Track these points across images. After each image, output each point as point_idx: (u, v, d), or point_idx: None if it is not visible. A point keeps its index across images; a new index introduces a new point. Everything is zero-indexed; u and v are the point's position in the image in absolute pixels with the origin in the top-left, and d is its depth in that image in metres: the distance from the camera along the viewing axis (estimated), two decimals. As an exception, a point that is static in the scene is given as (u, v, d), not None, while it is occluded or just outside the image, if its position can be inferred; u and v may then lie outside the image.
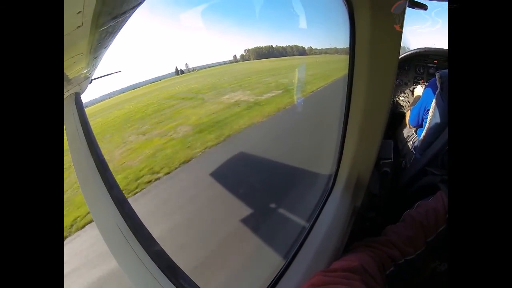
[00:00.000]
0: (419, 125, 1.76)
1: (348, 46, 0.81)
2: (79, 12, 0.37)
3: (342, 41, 0.85)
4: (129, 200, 0.77)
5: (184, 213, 2.43)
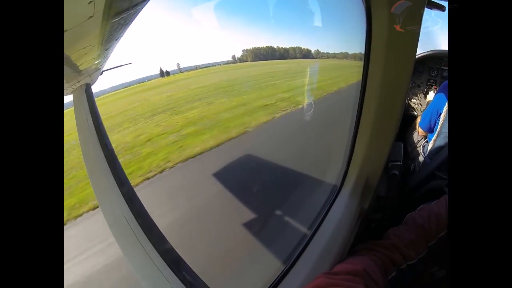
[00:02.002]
0: (430, 130, 1.70)
1: (364, 46, 0.78)
2: (91, 1, 0.36)
3: (356, 40, 0.83)
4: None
5: (189, 208, 2.46)
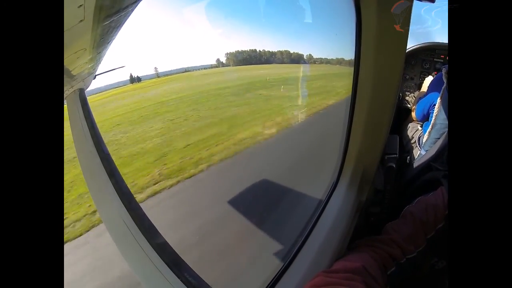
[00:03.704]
0: (425, 119, 1.75)
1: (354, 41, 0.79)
2: (81, 5, 0.36)
3: (346, 36, 0.83)
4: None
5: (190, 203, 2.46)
